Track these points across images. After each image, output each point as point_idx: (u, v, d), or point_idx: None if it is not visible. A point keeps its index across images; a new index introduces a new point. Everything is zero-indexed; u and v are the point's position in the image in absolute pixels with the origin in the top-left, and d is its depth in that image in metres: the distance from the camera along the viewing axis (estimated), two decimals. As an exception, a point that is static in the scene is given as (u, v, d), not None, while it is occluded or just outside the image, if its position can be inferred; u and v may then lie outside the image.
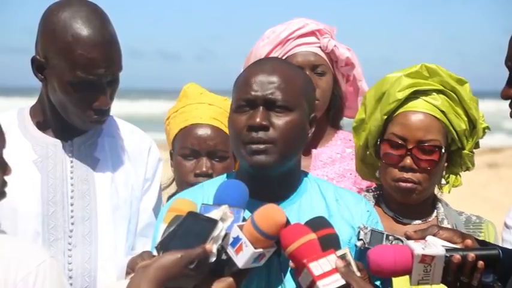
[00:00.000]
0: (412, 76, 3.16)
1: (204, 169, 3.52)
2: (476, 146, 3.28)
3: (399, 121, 3.14)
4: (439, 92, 3.15)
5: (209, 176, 3.50)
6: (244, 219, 2.52)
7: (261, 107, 2.63)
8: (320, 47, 3.85)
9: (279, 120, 2.63)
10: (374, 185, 3.41)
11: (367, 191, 3.33)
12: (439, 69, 3.17)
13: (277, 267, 2.64)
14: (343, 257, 2.51)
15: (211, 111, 3.62)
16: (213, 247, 2.42)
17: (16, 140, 3.15)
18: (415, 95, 3.15)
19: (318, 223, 2.59)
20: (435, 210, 3.27)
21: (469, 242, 2.63)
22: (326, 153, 3.86)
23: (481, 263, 2.57)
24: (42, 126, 3.20)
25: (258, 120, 2.61)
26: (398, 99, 3.13)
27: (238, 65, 3.87)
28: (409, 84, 3.15)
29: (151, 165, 3.30)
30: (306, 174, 2.84)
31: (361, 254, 2.62)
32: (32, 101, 3.30)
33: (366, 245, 2.66)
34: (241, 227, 2.46)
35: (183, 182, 3.55)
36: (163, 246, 2.42)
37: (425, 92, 3.15)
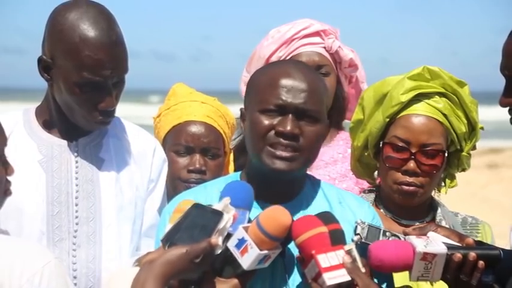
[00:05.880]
0: (414, 78, 3.16)
1: (197, 165, 3.59)
2: (474, 147, 3.28)
3: (402, 124, 3.14)
4: (441, 94, 3.16)
5: (202, 172, 3.60)
6: (249, 221, 2.53)
7: (291, 115, 2.63)
8: (324, 48, 3.86)
9: (309, 130, 2.66)
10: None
11: (364, 191, 3.34)
12: (441, 71, 3.18)
13: (281, 268, 2.65)
14: (348, 253, 2.53)
15: (204, 109, 3.67)
16: (218, 240, 2.41)
17: (21, 140, 3.16)
18: (417, 97, 3.15)
19: (327, 217, 2.61)
20: (433, 212, 3.28)
21: (470, 240, 2.66)
22: (328, 153, 3.87)
23: (481, 262, 2.59)
24: (47, 126, 3.20)
25: (289, 128, 2.62)
26: (401, 101, 3.13)
27: (233, 65, 3.88)
28: (412, 86, 3.15)
29: (156, 166, 3.31)
30: (309, 176, 2.86)
31: (358, 249, 2.64)
32: (31, 104, 3.31)
33: (363, 240, 2.67)
34: (246, 229, 2.46)
35: (175, 178, 3.61)
36: (169, 239, 2.42)
37: (428, 95, 3.15)
